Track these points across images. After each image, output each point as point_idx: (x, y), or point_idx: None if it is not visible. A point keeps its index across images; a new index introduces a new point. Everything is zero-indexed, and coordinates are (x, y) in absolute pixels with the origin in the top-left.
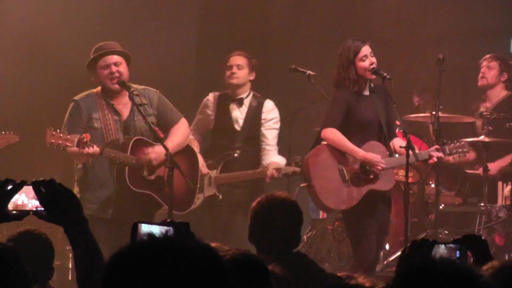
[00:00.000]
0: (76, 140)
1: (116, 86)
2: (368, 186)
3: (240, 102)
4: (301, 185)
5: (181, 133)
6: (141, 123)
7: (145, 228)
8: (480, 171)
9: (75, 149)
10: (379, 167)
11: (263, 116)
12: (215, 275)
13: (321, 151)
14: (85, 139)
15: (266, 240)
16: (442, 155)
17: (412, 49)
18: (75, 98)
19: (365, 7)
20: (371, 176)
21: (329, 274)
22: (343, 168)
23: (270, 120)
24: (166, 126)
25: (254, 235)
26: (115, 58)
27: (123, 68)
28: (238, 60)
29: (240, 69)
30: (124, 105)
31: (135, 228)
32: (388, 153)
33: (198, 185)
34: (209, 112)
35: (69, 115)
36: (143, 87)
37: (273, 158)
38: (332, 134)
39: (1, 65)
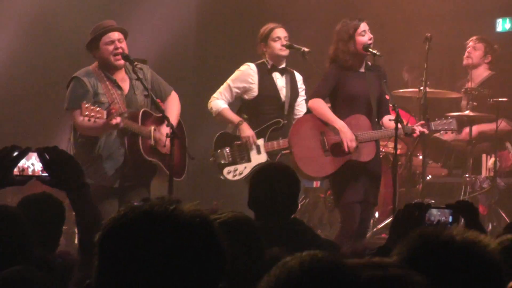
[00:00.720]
0: (105, 112)
1: (120, 62)
2: (347, 157)
3: (282, 72)
4: (283, 152)
5: (176, 106)
6: (141, 97)
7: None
8: (463, 136)
9: (91, 123)
10: (347, 145)
11: (299, 85)
12: (205, 238)
13: (305, 121)
14: (113, 111)
15: (265, 207)
16: (426, 130)
17: (402, 28)
18: (75, 74)
19: None
20: (351, 151)
21: (324, 240)
22: (325, 137)
23: (303, 90)
24: (158, 98)
25: (253, 202)
26: (118, 34)
27: (124, 45)
28: (284, 32)
29: (287, 41)
30: (123, 80)
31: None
32: (371, 127)
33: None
34: (251, 80)
35: (73, 90)
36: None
37: None
38: (316, 105)
39: (11, 44)
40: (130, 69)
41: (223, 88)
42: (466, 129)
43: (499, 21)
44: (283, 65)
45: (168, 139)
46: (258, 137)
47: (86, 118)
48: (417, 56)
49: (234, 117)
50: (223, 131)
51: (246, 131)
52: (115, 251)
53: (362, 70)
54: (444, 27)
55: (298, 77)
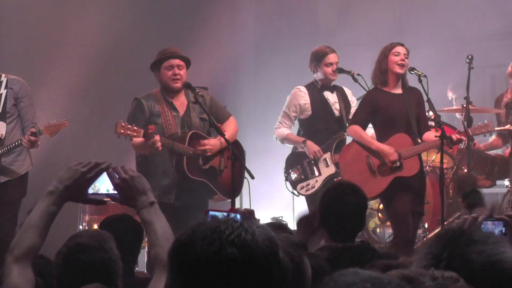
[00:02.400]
0: (142, 131)
1: (177, 85)
2: (393, 175)
3: (332, 89)
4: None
5: (232, 126)
6: (196, 119)
7: (212, 214)
8: (507, 153)
9: (140, 140)
10: (390, 158)
11: (349, 99)
12: (270, 259)
13: (350, 147)
14: (150, 130)
15: (334, 224)
16: (463, 137)
17: (446, 49)
18: (138, 97)
19: (405, 10)
20: (395, 165)
21: (382, 253)
22: (370, 160)
23: (354, 101)
24: (218, 123)
25: (324, 219)
26: (178, 61)
27: (184, 72)
28: (336, 58)
29: (337, 65)
30: (181, 104)
31: (206, 214)
32: (413, 143)
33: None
34: (303, 101)
35: (133, 112)
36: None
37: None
38: (354, 131)
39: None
40: (189, 93)
41: (280, 117)
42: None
43: None
44: (332, 84)
45: (209, 144)
46: (325, 151)
47: (123, 135)
48: (461, 76)
49: (298, 138)
50: (291, 152)
51: (311, 147)
52: (184, 266)
53: (399, 91)
54: (484, 47)
55: (348, 92)
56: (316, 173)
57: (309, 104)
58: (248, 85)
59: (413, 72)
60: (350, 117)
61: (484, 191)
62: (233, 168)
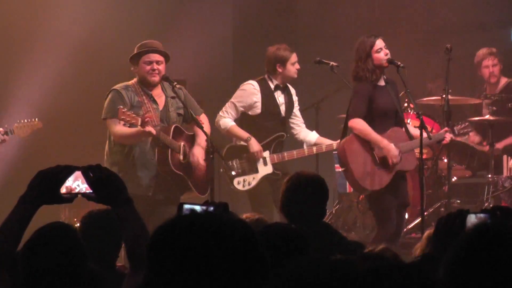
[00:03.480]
0: (140, 119)
1: (155, 78)
2: (395, 168)
3: (283, 90)
4: (337, 170)
5: (207, 122)
6: (174, 114)
7: (187, 207)
8: (487, 148)
9: (130, 130)
10: (394, 161)
11: (294, 98)
12: (248, 247)
13: (354, 139)
14: (147, 119)
15: (296, 212)
16: (452, 136)
17: (424, 40)
18: (114, 87)
19: (383, 4)
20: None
21: (351, 241)
22: (375, 152)
23: (296, 100)
24: (189, 118)
25: (285, 208)
26: (158, 56)
27: (162, 67)
28: (296, 57)
29: (298, 64)
30: (159, 96)
31: (180, 208)
32: (408, 137)
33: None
34: (255, 99)
35: (111, 102)
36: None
37: (313, 133)
38: (359, 125)
39: (57, 64)
40: (166, 87)
41: (228, 106)
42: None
43: None
44: (286, 84)
45: (198, 156)
46: (264, 149)
47: (122, 122)
48: (439, 66)
49: (243, 133)
50: (231, 144)
51: (255, 146)
52: (163, 259)
53: (382, 83)
54: (462, 38)
55: (293, 91)
56: (254, 170)
57: (260, 103)
58: (226, 79)
59: (392, 64)
60: (295, 115)
61: (465, 181)
62: (212, 160)
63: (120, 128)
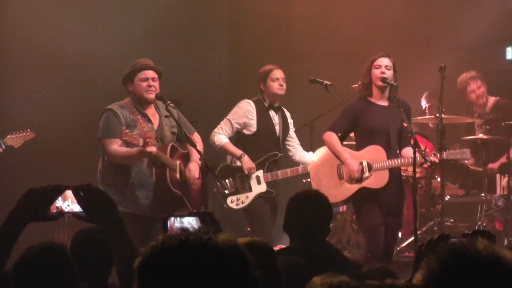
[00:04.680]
0: (141, 140)
1: (151, 96)
2: (359, 185)
3: (277, 110)
4: (304, 180)
5: (200, 141)
6: (168, 133)
7: (174, 220)
8: (481, 169)
9: (130, 150)
10: (353, 175)
11: (289, 120)
12: (238, 268)
13: (323, 152)
14: (148, 140)
15: (300, 231)
16: (436, 160)
17: (420, 58)
18: (109, 107)
19: (377, 24)
20: (364, 176)
21: (351, 262)
22: (341, 167)
23: (291, 123)
24: (183, 137)
25: (288, 226)
26: (153, 73)
27: (157, 84)
28: (282, 73)
29: (284, 81)
30: (153, 116)
31: (165, 222)
32: (386, 157)
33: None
34: (250, 117)
35: (107, 121)
36: (161, 102)
37: (310, 154)
38: (328, 137)
39: (48, 76)
40: (159, 106)
41: (223, 123)
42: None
43: (509, 49)
44: (277, 104)
45: (194, 172)
46: (258, 168)
47: (119, 143)
48: (434, 85)
49: (236, 151)
50: (225, 164)
51: (248, 163)
52: (153, 278)
53: (385, 103)
54: (457, 57)
55: (287, 114)
56: (248, 188)
57: (255, 121)
58: (221, 99)
59: (384, 82)
60: (291, 138)
61: (458, 200)
62: (205, 179)
63: (117, 148)
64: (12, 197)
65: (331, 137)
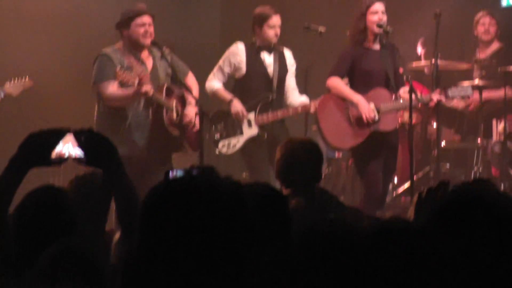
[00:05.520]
0: (137, 79)
1: (148, 41)
2: (371, 128)
3: (270, 50)
4: (314, 129)
5: (196, 85)
6: (162, 75)
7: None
8: (472, 107)
9: (124, 91)
10: (367, 116)
11: (288, 61)
12: (238, 210)
13: (329, 98)
14: (143, 80)
15: (291, 177)
16: (443, 98)
17: (414, 5)
18: (103, 51)
19: None
20: (376, 118)
21: (347, 206)
22: (349, 112)
23: (292, 66)
24: (177, 80)
25: (280, 173)
26: (150, 19)
27: (152, 30)
28: (279, 20)
29: (279, 29)
30: (147, 58)
31: (167, 175)
32: (392, 98)
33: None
34: (239, 59)
35: (100, 66)
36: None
37: (302, 97)
38: (334, 82)
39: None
40: (153, 49)
41: (215, 69)
42: (476, 97)
43: None
44: (273, 45)
45: (191, 115)
46: (249, 111)
47: (114, 85)
48: (429, 31)
49: (226, 95)
50: (218, 109)
51: (236, 106)
52: (156, 221)
53: (377, 47)
54: (452, 2)
55: (288, 53)
56: (239, 132)
57: (244, 63)
58: (213, 46)
59: (380, 27)
60: (288, 80)
61: (454, 145)
62: (201, 123)
63: (113, 90)
64: (12, 145)
65: (336, 81)
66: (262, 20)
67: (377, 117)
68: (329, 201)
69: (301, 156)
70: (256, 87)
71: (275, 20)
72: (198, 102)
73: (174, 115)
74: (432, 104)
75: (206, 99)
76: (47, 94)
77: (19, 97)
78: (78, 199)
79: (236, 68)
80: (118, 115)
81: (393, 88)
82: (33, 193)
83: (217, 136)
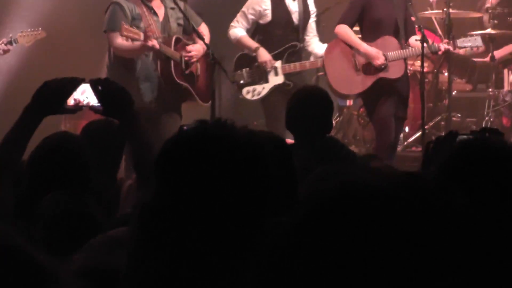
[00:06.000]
0: (142, 34)
1: None
2: (378, 74)
3: None
4: (318, 74)
5: (208, 33)
6: (174, 25)
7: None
8: (487, 59)
9: (132, 44)
10: (377, 62)
11: (310, 7)
12: (258, 161)
13: (336, 44)
14: (149, 33)
15: (302, 127)
16: (451, 47)
17: None
18: (116, 0)
19: None
20: (381, 66)
21: (358, 155)
22: (355, 58)
23: (314, 12)
24: (190, 28)
25: (291, 123)
26: None
27: None
28: None
29: None
30: (159, 8)
31: (181, 129)
32: (400, 46)
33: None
34: (264, 6)
35: (112, 14)
36: None
37: (323, 45)
38: (342, 30)
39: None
40: None
41: (239, 15)
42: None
43: None
44: None
45: (194, 52)
46: (275, 59)
47: (125, 38)
48: None
49: (252, 43)
50: (242, 53)
51: (264, 55)
52: (173, 171)
53: None
54: None
55: (310, 1)
56: (264, 79)
57: (270, 10)
58: None
59: None
60: (310, 27)
61: (465, 95)
62: (212, 72)
63: (121, 41)
64: (25, 93)
65: (345, 29)
66: None
67: (384, 64)
68: (340, 149)
69: (312, 106)
70: (281, 34)
71: None
72: (210, 50)
73: (183, 66)
74: (439, 53)
75: (223, 49)
76: (60, 43)
77: (31, 47)
78: (90, 146)
79: (261, 15)
80: (127, 65)
81: (403, 36)
82: (48, 140)
83: (241, 81)
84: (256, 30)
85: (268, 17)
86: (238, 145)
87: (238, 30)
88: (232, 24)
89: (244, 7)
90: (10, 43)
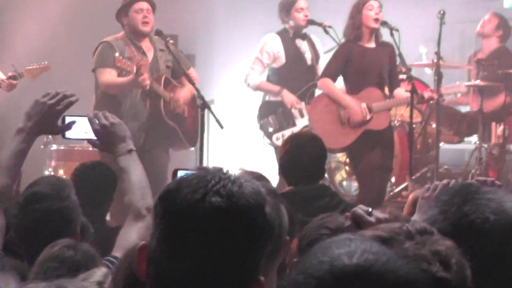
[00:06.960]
0: (135, 66)
1: (146, 29)
2: (364, 127)
3: (303, 37)
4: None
5: (196, 79)
6: (163, 66)
7: (181, 173)
8: (475, 109)
9: (122, 78)
10: (355, 118)
11: (317, 47)
12: (255, 217)
13: (321, 97)
14: (142, 67)
15: (295, 174)
16: (435, 95)
17: (417, 3)
18: (105, 40)
19: None
20: (366, 118)
21: (349, 204)
22: (341, 112)
23: (321, 52)
24: (179, 71)
25: (283, 169)
26: (147, 5)
27: (152, 17)
28: (306, 2)
29: (307, 10)
30: (148, 49)
31: (175, 174)
32: (383, 97)
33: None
34: (277, 49)
35: (101, 54)
36: (157, 37)
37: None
38: (325, 84)
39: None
40: (155, 40)
41: (253, 62)
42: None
43: None
44: (303, 31)
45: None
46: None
47: (112, 72)
48: (432, 31)
49: (273, 87)
50: (265, 100)
51: (289, 96)
52: (169, 212)
53: (372, 45)
54: (456, 3)
55: (316, 40)
56: (292, 123)
57: (283, 52)
58: (219, 33)
59: (385, 26)
60: (319, 67)
61: (452, 147)
62: (201, 117)
63: (109, 77)
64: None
65: (327, 83)
66: (288, 5)
67: (368, 117)
68: (331, 197)
69: (305, 152)
70: (297, 75)
71: (302, 2)
72: (200, 95)
73: (172, 106)
74: (427, 98)
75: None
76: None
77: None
78: (81, 188)
79: (275, 58)
80: (114, 103)
81: (388, 87)
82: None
83: (270, 129)
84: (270, 75)
85: (282, 59)
86: (238, 197)
87: (255, 76)
88: (247, 73)
89: (258, 53)
90: (14, 77)
